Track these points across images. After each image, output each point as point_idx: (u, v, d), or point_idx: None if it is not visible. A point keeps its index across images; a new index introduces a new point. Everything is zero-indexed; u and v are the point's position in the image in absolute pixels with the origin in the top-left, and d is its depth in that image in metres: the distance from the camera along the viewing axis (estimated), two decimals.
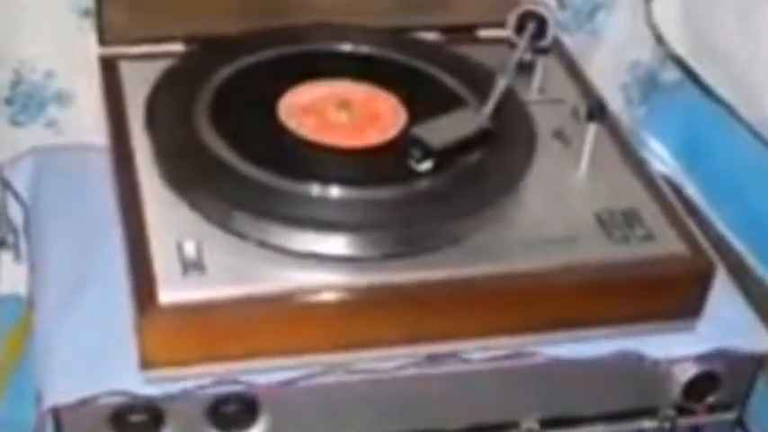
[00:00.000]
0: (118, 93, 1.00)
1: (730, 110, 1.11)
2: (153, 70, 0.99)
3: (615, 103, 1.24)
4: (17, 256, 1.08)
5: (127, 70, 1.02)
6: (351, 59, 1.03)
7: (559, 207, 0.93)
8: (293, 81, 0.98)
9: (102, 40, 1.04)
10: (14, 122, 1.12)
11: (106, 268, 0.92)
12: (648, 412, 0.96)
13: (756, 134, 1.10)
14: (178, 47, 1.04)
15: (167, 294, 0.83)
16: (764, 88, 1.04)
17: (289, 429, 0.89)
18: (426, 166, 0.90)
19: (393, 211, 0.88)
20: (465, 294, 0.87)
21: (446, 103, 0.96)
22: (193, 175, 0.89)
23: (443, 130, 0.92)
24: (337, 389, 0.88)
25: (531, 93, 1.04)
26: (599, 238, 0.91)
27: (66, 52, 1.10)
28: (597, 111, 0.96)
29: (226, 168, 0.89)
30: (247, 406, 0.87)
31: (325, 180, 0.88)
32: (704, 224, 1.14)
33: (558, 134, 1.00)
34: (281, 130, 0.94)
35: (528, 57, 1.03)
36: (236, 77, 0.98)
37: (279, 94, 0.97)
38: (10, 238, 1.08)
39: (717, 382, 0.94)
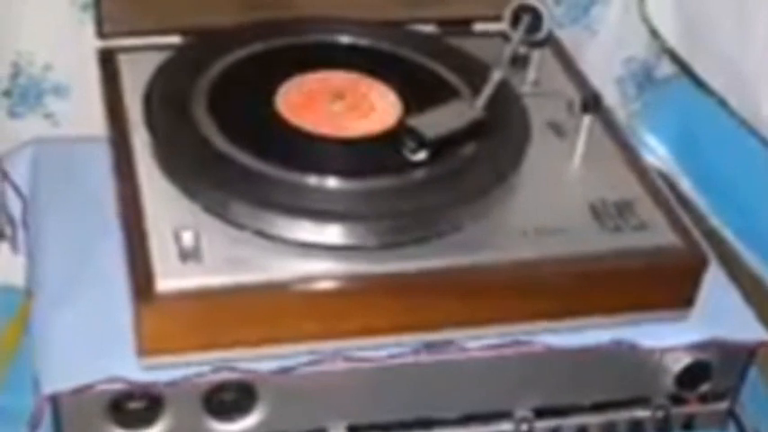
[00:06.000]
0: (116, 85, 1.00)
1: (724, 104, 1.12)
2: (151, 62, 0.99)
3: (611, 97, 1.24)
4: (15, 247, 1.09)
5: (125, 62, 1.03)
6: (347, 51, 1.04)
7: (553, 198, 0.94)
8: (290, 72, 0.99)
9: (101, 33, 1.04)
10: (13, 114, 1.13)
11: (104, 258, 0.93)
12: (641, 401, 0.96)
13: (750, 128, 1.10)
14: (176, 39, 1.05)
15: (165, 283, 0.83)
16: (758, 82, 1.04)
17: (286, 417, 0.89)
18: (421, 156, 0.91)
19: (388, 200, 0.88)
20: (459, 284, 0.88)
21: (441, 94, 0.97)
22: (191, 166, 0.90)
23: (438, 120, 0.92)
24: (334, 377, 0.88)
25: (525, 85, 1.05)
26: (592, 228, 0.91)
27: (65, 45, 1.10)
28: (591, 102, 0.96)
29: (223, 158, 0.90)
30: (245, 393, 0.88)
31: (322, 170, 0.89)
32: (697, 216, 1.15)
33: (553, 126, 1.00)
34: (278, 121, 0.94)
35: (523, 50, 1.04)
36: (233, 68, 0.99)
37: (275, 85, 0.97)
38: (8, 230, 1.09)
39: (709, 371, 0.95)
